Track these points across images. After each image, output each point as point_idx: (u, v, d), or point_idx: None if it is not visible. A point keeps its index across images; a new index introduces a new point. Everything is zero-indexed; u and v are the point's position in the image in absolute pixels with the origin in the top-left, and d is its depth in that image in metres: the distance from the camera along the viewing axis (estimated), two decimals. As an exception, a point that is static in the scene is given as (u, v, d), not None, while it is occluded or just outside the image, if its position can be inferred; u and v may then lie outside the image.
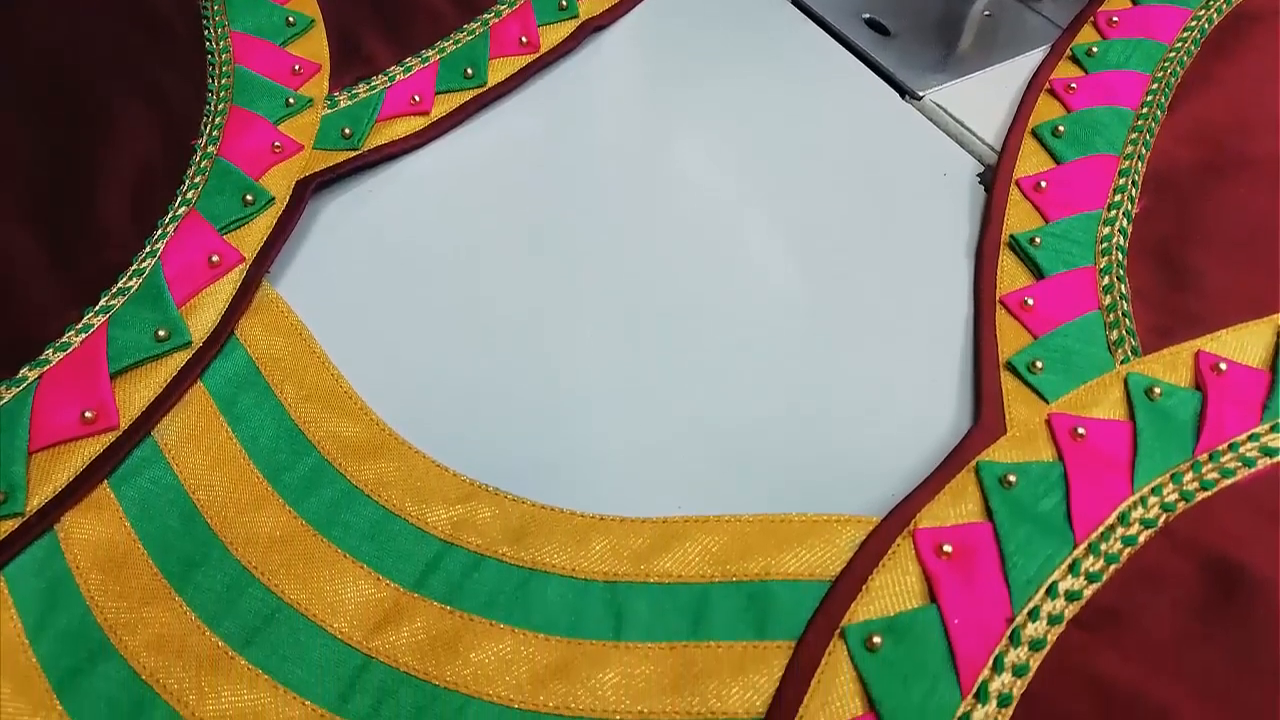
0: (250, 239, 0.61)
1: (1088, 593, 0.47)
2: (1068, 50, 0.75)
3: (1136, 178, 0.65)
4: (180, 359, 0.55)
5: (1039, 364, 0.55)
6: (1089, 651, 0.45)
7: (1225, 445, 0.52)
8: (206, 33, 0.73)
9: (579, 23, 0.77)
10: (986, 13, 0.82)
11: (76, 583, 0.47)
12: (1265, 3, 0.77)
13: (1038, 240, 0.62)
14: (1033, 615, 0.46)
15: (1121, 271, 0.60)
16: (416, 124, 0.69)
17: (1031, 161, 0.67)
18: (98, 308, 0.56)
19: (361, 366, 0.56)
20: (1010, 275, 0.61)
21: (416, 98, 0.70)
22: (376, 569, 0.48)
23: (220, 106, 0.67)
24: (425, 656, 0.46)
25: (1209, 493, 0.50)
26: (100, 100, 0.68)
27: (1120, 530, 0.49)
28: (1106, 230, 0.62)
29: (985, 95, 0.73)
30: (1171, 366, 0.56)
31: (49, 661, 0.45)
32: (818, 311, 0.61)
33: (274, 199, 0.63)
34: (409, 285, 0.61)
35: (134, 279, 0.57)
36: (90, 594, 0.47)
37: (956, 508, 0.50)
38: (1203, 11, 0.76)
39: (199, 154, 0.64)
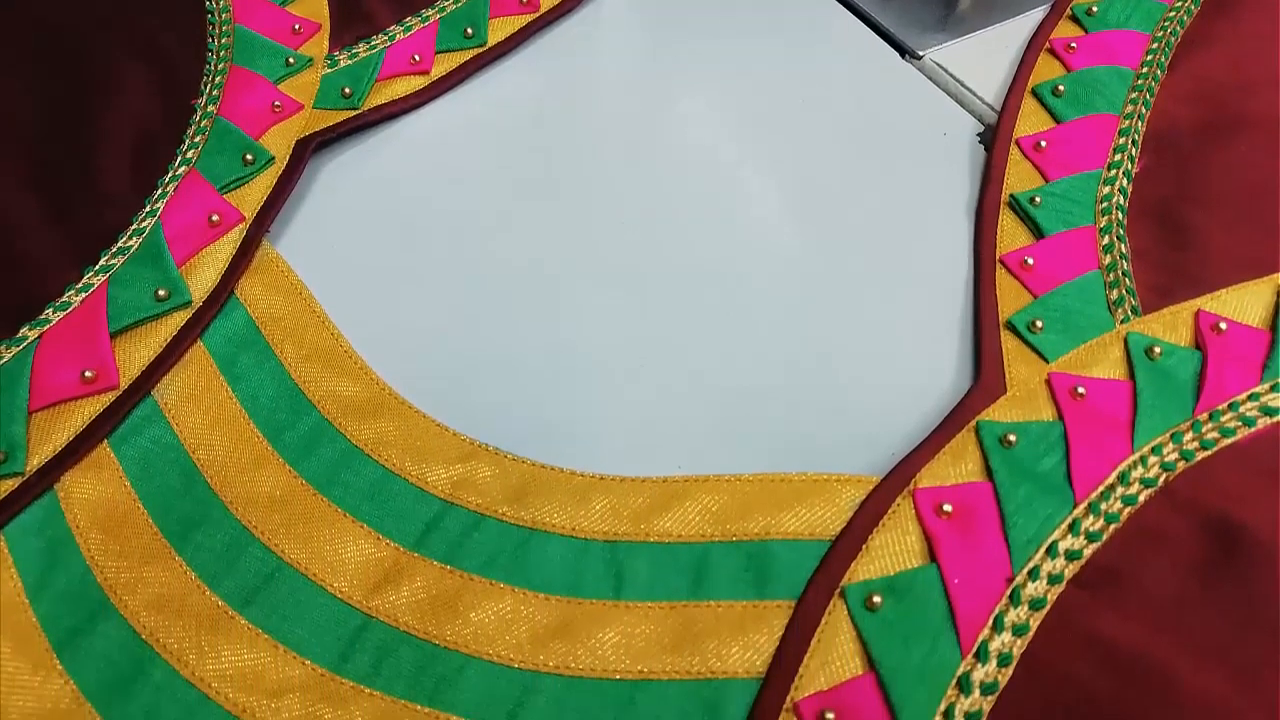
0: (250, 198, 0.60)
1: (1088, 552, 0.46)
2: (1068, 10, 0.74)
3: (1136, 137, 0.65)
4: (180, 318, 0.54)
5: (1039, 323, 0.55)
6: (1089, 611, 0.45)
7: (1225, 405, 0.52)
8: (207, -9, 0.72)
9: (579, -18, 0.76)
10: (986, -28, 0.81)
11: (76, 542, 0.46)
12: (1265, -38, 0.76)
13: (1038, 200, 0.61)
14: (1033, 575, 0.45)
15: (1121, 231, 0.59)
16: (416, 83, 0.68)
17: (1031, 121, 0.66)
18: (97, 267, 0.55)
19: (361, 326, 0.56)
20: (1010, 235, 0.60)
21: (416, 57, 0.69)
22: (376, 528, 0.48)
23: (220, 66, 0.67)
24: (425, 616, 0.45)
25: (1209, 452, 0.50)
26: (100, 60, 0.67)
27: (1120, 490, 0.48)
28: (1106, 190, 0.62)
29: (985, 55, 0.72)
30: (1171, 326, 0.55)
31: (49, 621, 0.44)
32: (818, 271, 0.60)
33: (274, 158, 0.62)
34: (409, 244, 0.61)
35: (134, 238, 0.57)
36: (90, 553, 0.46)
37: (956, 467, 0.49)
38: (1203, -30, 0.75)
39: (199, 113, 0.63)
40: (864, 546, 0.47)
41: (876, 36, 0.75)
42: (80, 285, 0.54)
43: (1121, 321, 0.55)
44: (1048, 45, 0.71)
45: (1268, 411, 0.51)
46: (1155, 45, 0.70)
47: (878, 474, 0.49)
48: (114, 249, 0.56)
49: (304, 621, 0.45)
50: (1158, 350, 0.53)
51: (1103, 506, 0.48)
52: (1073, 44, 0.70)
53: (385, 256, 0.60)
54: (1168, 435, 0.50)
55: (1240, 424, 0.51)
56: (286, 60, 0.67)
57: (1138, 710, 0.42)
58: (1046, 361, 0.54)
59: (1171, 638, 0.44)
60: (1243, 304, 0.56)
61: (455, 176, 0.64)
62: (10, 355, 0.51)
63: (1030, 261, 0.58)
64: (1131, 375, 0.53)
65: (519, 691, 0.43)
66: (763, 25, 0.76)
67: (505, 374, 0.55)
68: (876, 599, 0.44)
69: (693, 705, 0.43)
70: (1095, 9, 0.73)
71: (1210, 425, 0.51)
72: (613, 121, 0.69)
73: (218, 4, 0.71)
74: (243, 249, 0.57)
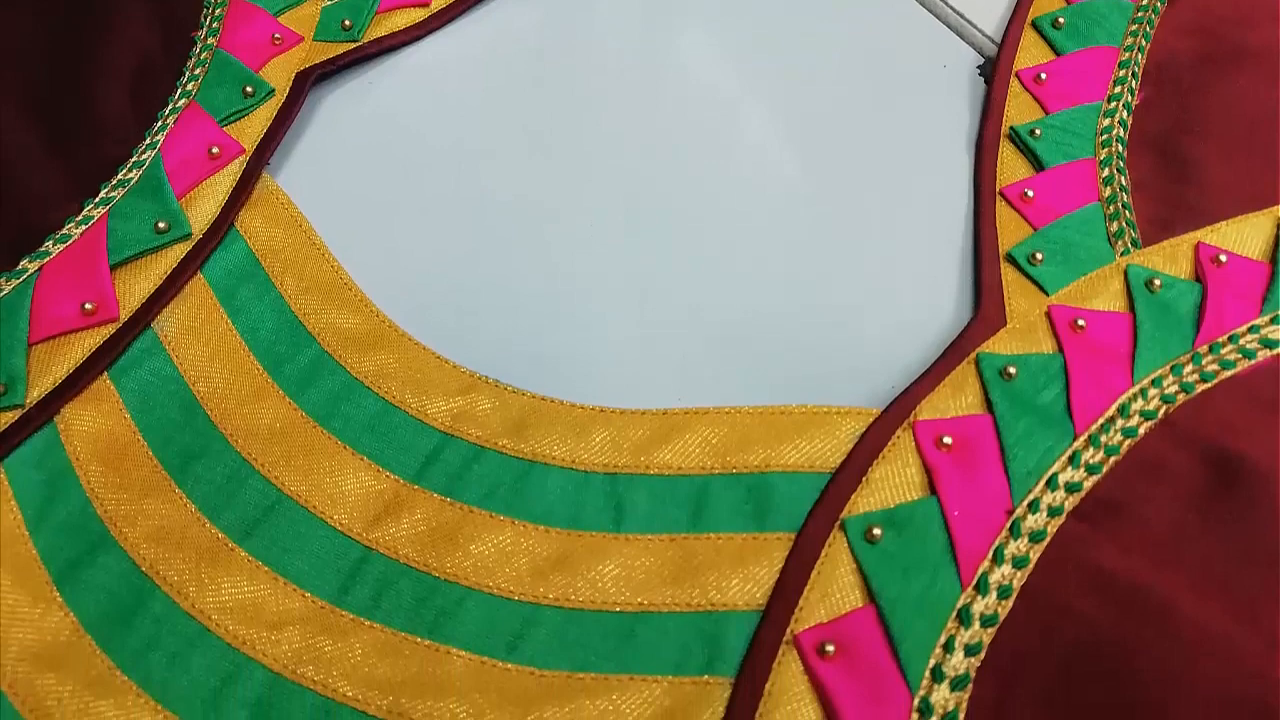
0: (250, 131, 0.59)
1: (1088, 485, 0.46)
2: (1068, -58, 0.72)
3: (1136, 69, 0.63)
4: (180, 251, 0.53)
5: (1039, 256, 0.54)
6: (1089, 543, 0.44)
7: (1225, 337, 0.51)
8: (206, -76, 0.70)
9: (579, -86, 0.74)
10: (986, -95, 0.79)
11: (76, 474, 0.46)
12: (1266, -106, 0.74)
13: (1037, 132, 0.60)
14: (1033, 507, 0.45)
15: (1121, 163, 0.58)
16: (416, 15, 0.67)
17: (1031, 53, 0.65)
18: (97, 200, 0.54)
19: (362, 258, 0.55)
20: (1010, 167, 0.59)
21: (417, -11, 0.67)
22: (376, 461, 0.47)
23: (220, -1, 0.65)
24: (425, 548, 0.45)
25: (1209, 384, 0.49)
26: (100, -9, 0.65)
27: (1120, 422, 0.48)
28: (1106, 122, 0.60)
29: (985, -13, 0.71)
30: (1171, 258, 0.54)
31: (49, 553, 0.43)
32: (817, 204, 0.59)
33: (274, 91, 0.60)
34: (409, 177, 0.60)
35: (134, 171, 0.55)
36: (90, 486, 0.45)
37: (956, 400, 0.49)
38: (1203, -97, 0.74)
39: (199, 46, 0.62)
40: (864, 479, 0.46)
41: (876, -31, 0.73)
42: (80, 218, 0.53)
43: (1121, 254, 0.54)
44: (1048, -23, 0.70)
45: (1267, 344, 0.51)
46: (1156, -23, 0.69)
47: (878, 406, 0.49)
48: (114, 181, 0.55)
49: (304, 554, 0.45)
50: (1158, 283, 0.52)
51: (1103, 439, 0.47)
52: (1073, -25, 0.69)
53: (385, 189, 0.59)
54: (1168, 367, 0.50)
55: (1240, 356, 0.50)
56: (287, -8, 0.66)
57: (1137, 641, 0.42)
58: (1046, 294, 0.53)
59: (1171, 570, 0.44)
60: (1243, 236, 0.55)
61: (456, 109, 0.63)
62: (10, 288, 0.50)
63: (1030, 194, 0.57)
64: (1131, 308, 0.52)
65: (519, 623, 0.43)
66: (763, -42, 0.74)
67: (505, 306, 0.54)
68: (876, 531, 0.44)
69: (692, 637, 0.43)
70: (1096, -59, 0.71)
71: (1210, 357, 0.50)
72: (613, 53, 0.67)
73: (218, -64, 0.69)
74: (243, 181, 0.56)
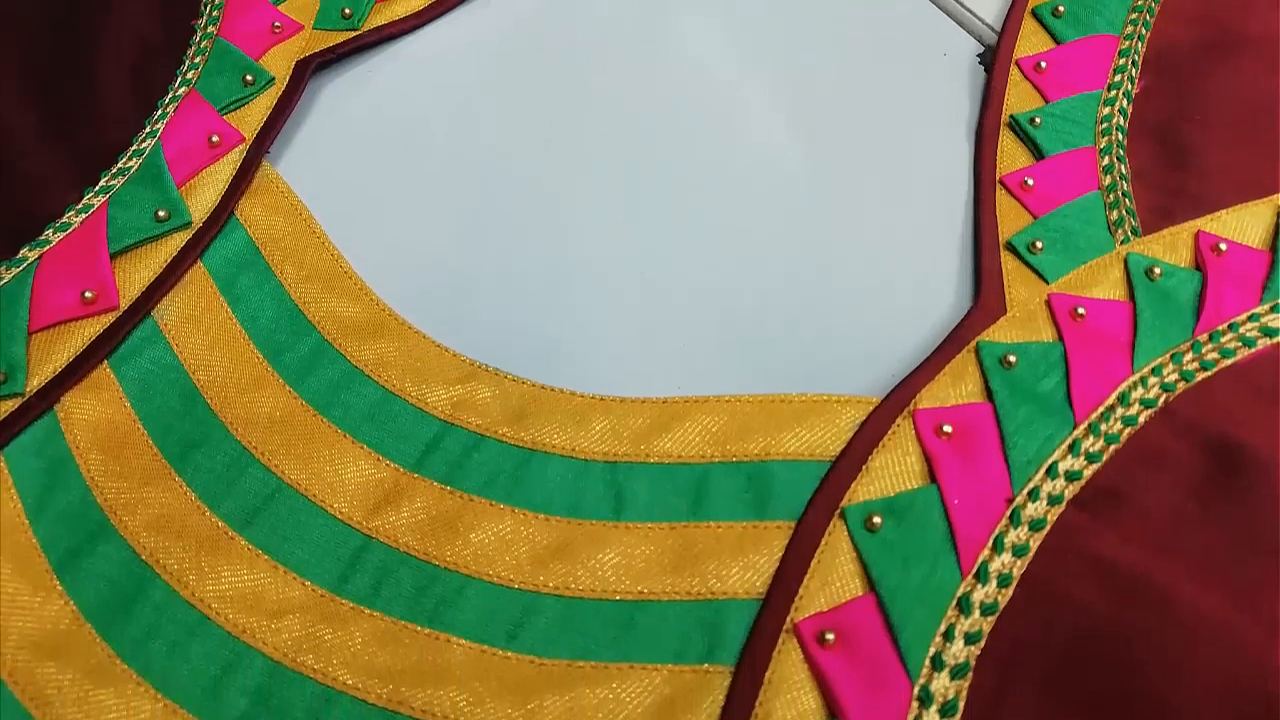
0: (250, 119, 0.58)
1: (1088, 473, 0.46)
2: (1068, -70, 0.72)
3: (1137, 58, 0.63)
4: (180, 239, 0.53)
5: (1039, 244, 0.54)
6: (1089, 532, 0.44)
7: (1225, 325, 0.51)
8: (206, -88, 0.70)
9: (579, -98, 0.74)
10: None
11: (76, 463, 0.46)
12: (1266, -118, 0.74)
13: (1038, 120, 0.60)
14: (1033, 495, 0.45)
15: (1121, 152, 0.58)
16: (417, 4, 0.66)
17: (1031, 41, 0.65)
18: (97, 188, 0.54)
19: (361, 247, 0.55)
20: (1010, 155, 0.59)
21: (417, -23, 0.67)
22: (376, 449, 0.47)
23: (220, -14, 0.65)
24: (425, 536, 0.45)
25: (1209, 373, 0.49)
26: (100, -21, 0.65)
27: (1120, 410, 0.48)
28: (1106, 110, 0.60)
29: (985, -25, 0.70)
30: (1171, 247, 0.54)
31: (49, 542, 0.43)
32: (818, 192, 0.59)
33: (274, 79, 0.60)
34: (408, 165, 0.59)
35: (134, 159, 0.55)
36: (90, 474, 0.45)
37: (956, 388, 0.49)
38: (1204, -110, 0.73)
39: (199, 34, 0.62)
40: (864, 467, 0.46)
41: (876, -43, 0.73)
42: (80, 206, 0.53)
43: (1122, 242, 0.54)
44: (1048, -34, 0.69)
45: (1267, 332, 0.51)
46: (1156, -35, 0.69)
47: (878, 395, 0.49)
48: (114, 170, 0.55)
49: (304, 542, 0.45)
50: (1158, 271, 0.52)
51: (1103, 427, 0.47)
52: (1073, -36, 0.69)
53: (385, 177, 0.59)
54: (1168, 356, 0.50)
55: (1240, 345, 0.50)
56: (287, -20, 0.65)
57: (1137, 630, 0.42)
58: (1046, 282, 0.53)
59: (1171, 558, 0.44)
60: (1243, 225, 0.55)
61: (456, 97, 0.63)
62: (10, 276, 0.50)
63: (1030, 182, 0.57)
64: (1131, 296, 0.52)
65: (519, 612, 0.43)
66: (763, -54, 0.74)
67: (505, 294, 0.54)
68: (876, 519, 0.44)
69: (692, 626, 0.43)
70: (1096, -70, 0.71)
71: (1210, 346, 0.50)
72: (612, 40, 0.67)
73: (218, -76, 0.69)
74: (243, 170, 0.56)
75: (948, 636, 0.41)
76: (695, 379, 0.50)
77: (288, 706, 0.41)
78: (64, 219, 0.52)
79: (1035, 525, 0.44)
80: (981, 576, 0.43)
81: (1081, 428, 0.47)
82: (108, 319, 0.50)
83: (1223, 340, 0.50)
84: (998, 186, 0.57)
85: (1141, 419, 0.47)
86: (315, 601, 0.43)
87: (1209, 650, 0.41)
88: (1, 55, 0.60)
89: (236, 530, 0.44)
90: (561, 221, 0.57)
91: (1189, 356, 0.49)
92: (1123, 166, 0.57)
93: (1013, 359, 0.49)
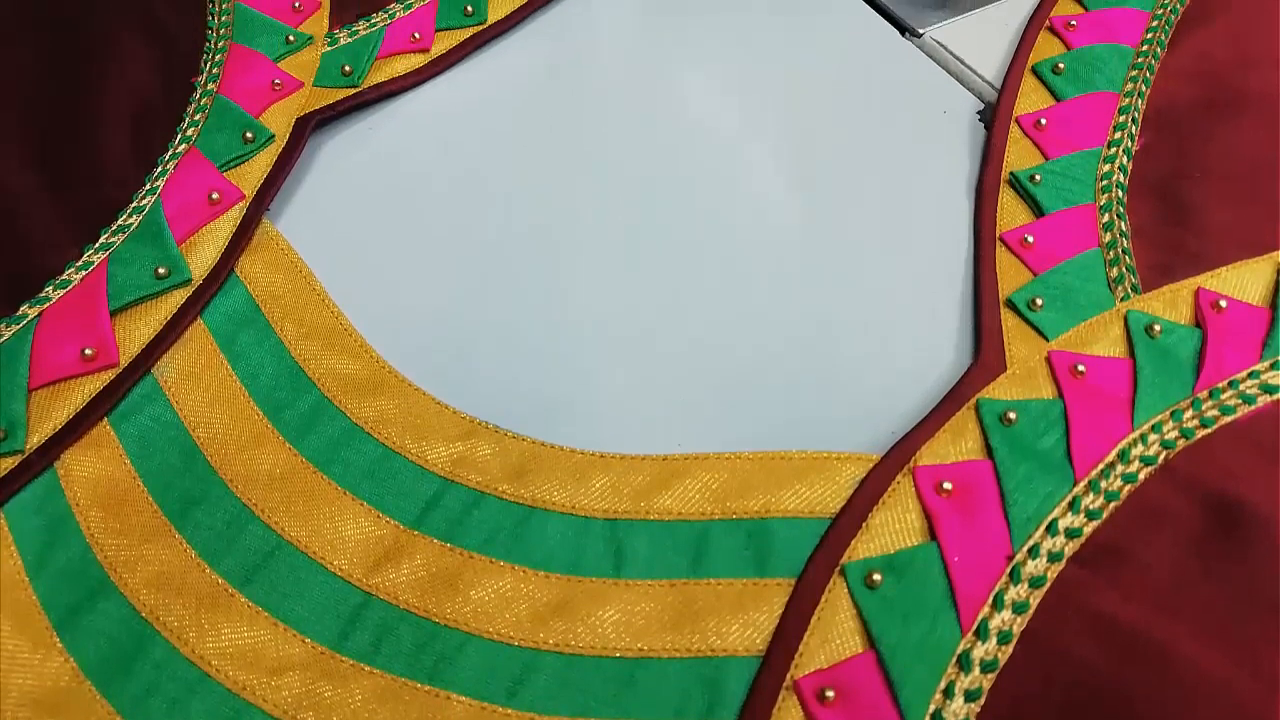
0: (250, 176, 0.60)
1: (1088, 530, 0.46)
2: (1068, -13, 0.73)
3: (1137, 115, 0.64)
4: (180, 296, 0.54)
5: (1039, 301, 0.55)
6: (1089, 589, 0.45)
7: (1225, 383, 0.52)
8: (206, -31, 0.71)
9: (579, -41, 0.76)
10: (986, -50, 0.80)
11: (76, 520, 0.46)
12: (1266, -60, 0.76)
13: (1038, 177, 0.61)
14: (1033, 552, 0.45)
15: (1122, 209, 0.59)
16: (416, 61, 0.68)
17: (1031, 99, 0.66)
18: (97, 245, 0.55)
19: (361, 304, 0.56)
20: (1010, 212, 0.60)
21: (417, 35, 0.68)
22: (376, 506, 0.48)
23: (220, 44, 0.66)
24: (425, 594, 0.45)
25: (1209, 430, 0.50)
26: (100, 37, 0.66)
27: (1120, 468, 0.48)
28: (1107, 168, 0.61)
29: (985, 33, 0.72)
30: (1171, 304, 0.55)
31: (49, 599, 0.44)
32: (818, 249, 0.60)
33: (274, 136, 0.61)
34: (408, 223, 0.60)
35: (134, 216, 0.56)
36: (90, 531, 0.46)
37: (957, 445, 0.49)
38: (1203, -52, 0.75)
39: (199, 91, 0.63)
40: (864, 524, 0.47)
41: (876, 14, 0.75)
42: (80, 263, 0.54)
43: (1121, 299, 0.55)
44: (1048, 23, 0.71)
45: (1268, 389, 0.51)
46: (1155, 23, 0.70)
47: (878, 452, 0.49)
48: (114, 226, 0.56)
49: (304, 599, 0.45)
50: (1158, 328, 0.53)
51: (1103, 484, 0.48)
52: (1073, 21, 0.70)
53: (385, 234, 0.60)
54: (1168, 413, 0.50)
55: (1240, 402, 0.51)
56: (286, 38, 0.67)
57: (1138, 688, 0.42)
58: (1046, 339, 0.53)
59: (1171, 615, 0.44)
60: (1243, 282, 0.56)
61: (455, 154, 0.64)
62: (10, 333, 0.51)
63: (1030, 239, 0.58)
64: (1131, 353, 0.52)
65: (519, 669, 0.43)
66: (763, 4, 0.75)
67: (505, 352, 0.55)
68: (876, 577, 0.44)
69: (693, 683, 0.43)
70: (1095, -14, 0.73)
71: (1210, 403, 0.51)
72: (612, 99, 0.68)
73: (218, -19, 0.71)
74: (243, 227, 0.57)
75: (948, 693, 0.42)
76: (695, 436, 0.51)
77: (288, 764, 0.41)
78: (64, 276, 0.53)
79: (1035, 582, 0.44)
80: (981, 633, 0.43)
81: (1081, 485, 0.47)
82: (107, 376, 0.50)
83: (1223, 397, 0.51)
84: (998, 243, 0.58)
85: (1142, 476, 0.48)
86: (315, 659, 0.43)
87: (1209, 708, 0.42)
88: (2, 111, 0.61)
89: (236, 587, 0.45)
90: (562, 279, 0.58)
91: (1189, 414, 0.50)
92: (1123, 224, 0.58)
93: (1013, 416, 0.49)
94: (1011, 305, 0.55)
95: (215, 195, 0.57)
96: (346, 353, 0.53)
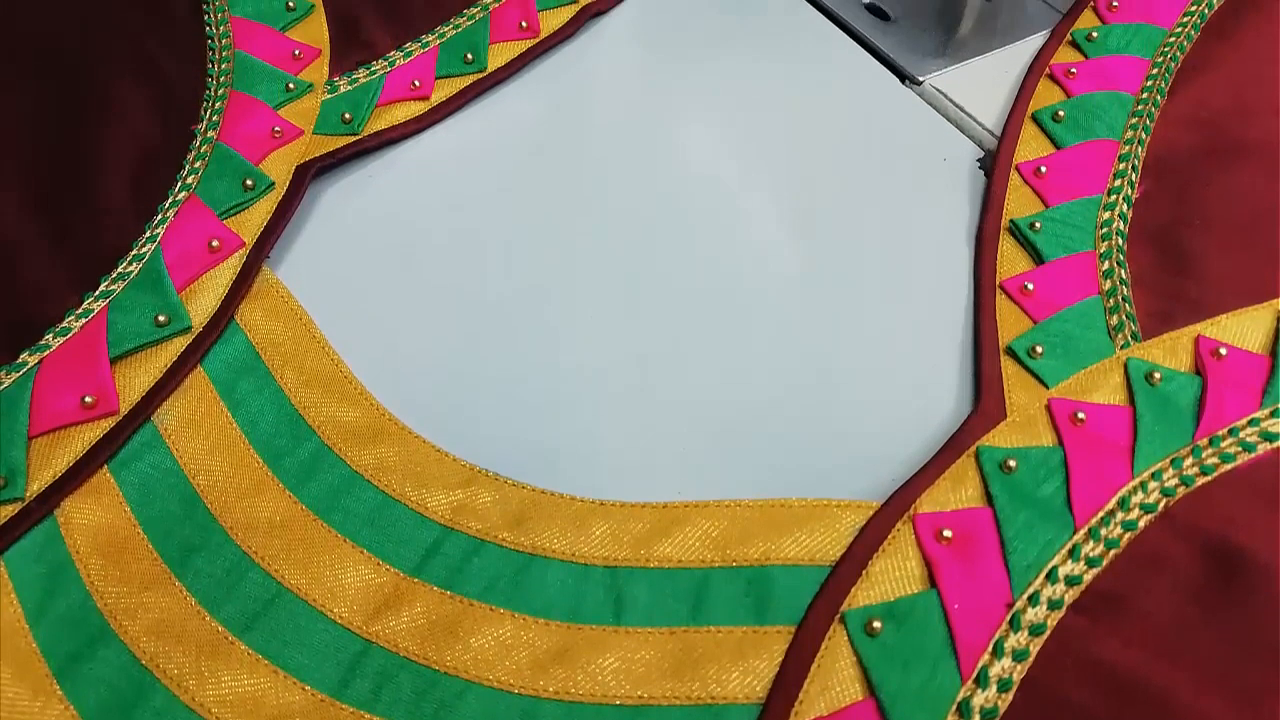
0: (250, 224, 0.60)
1: (1088, 578, 0.47)
2: (1068, 35, 0.74)
3: (1137, 162, 0.65)
4: (180, 344, 0.55)
5: (1039, 349, 0.55)
6: (1089, 636, 0.45)
7: (1225, 430, 0.52)
8: (207, 17, 0.73)
9: (579, 7, 0.77)
10: (986, -2, 0.81)
11: (77, 568, 0.47)
12: (1265, -13, 0.77)
13: (1038, 225, 0.61)
14: (1033, 600, 0.46)
15: (1121, 256, 0.60)
16: (416, 109, 0.69)
17: (1031, 146, 0.67)
18: (97, 293, 0.56)
19: (362, 351, 0.56)
20: (1010, 260, 0.61)
21: (416, 83, 0.69)
22: (376, 554, 0.48)
23: (220, 91, 0.67)
24: (425, 641, 0.45)
25: (1209, 478, 0.50)
26: (100, 84, 0.67)
27: (1120, 515, 0.49)
28: (1106, 215, 0.62)
29: (985, 80, 0.73)
30: (1172, 351, 0.55)
31: (49, 646, 0.44)
32: (818, 297, 0.60)
33: (274, 184, 0.62)
34: (409, 270, 0.61)
35: (134, 264, 0.57)
36: (90, 579, 0.46)
37: (957, 493, 0.50)
38: (1203, -4, 0.76)
39: (199, 138, 0.64)
40: (864, 572, 0.47)
41: (876, 62, 0.76)
42: (80, 311, 0.55)
43: (1121, 347, 0.56)
44: (1048, 70, 0.72)
45: (1268, 437, 0.52)
46: (1155, 71, 0.71)
47: (878, 499, 0.50)
48: (114, 274, 0.56)
49: (304, 647, 0.45)
50: (1158, 375, 0.53)
51: (1103, 532, 0.48)
52: (1073, 69, 0.71)
53: (385, 282, 0.60)
54: (1168, 461, 0.51)
55: (1240, 449, 0.51)
56: (286, 85, 0.68)
57: (1138, 735, 0.43)
58: (1046, 387, 0.54)
59: (1172, 663, 0.44)
60: (1243, 329, 0.56)
61: (455, 202, 0.65)
62: (10, 380, 0.52)
63: (1030, 287, 0.58)
64: (1131, 401, 0.53)
65: (519, 717, 0.43)
66: (763, 51, 0.76)
67: (505, 399, 0.55)
68: (876, 624, 0.45)
69: (693, 730, 0.43)
70: (1095, 34, 0.73)
71: (1210, 450, 0.51)
72: (612, 147, 0.69)
73: (218, 29, 0.72)
74: (243, 274, 0.58)
75: (948, 741, 0.42)
76: (695, 483, 0.51)
77: (288, 812, 0.42)
78: (64, 324, 0.54)
79: (1035, 630, 0.45)
80: (981, 681, 0.43)
81: (1081, 532, 0.48)
82: (107, 424, 0.51)
83: (1223, 445, 0.51)
84: (998, 291, 0.59)
85: (1142, 524, 0.48)
86: (315, 706, 0.43)
87: (1209, 756, 0.42)
88: (2, 158, 0.62)
89: (236, 635, 0.45)
90: (561, 326, 0.59)
91: (1189, 461, 0.51)
92: (1123, 271, 0.59)
93: (1013, 464, 0.50)
94: (1011, 353, 0.56)
95: (215, 243, 0.58)
96: (346, 400, 0.54)
